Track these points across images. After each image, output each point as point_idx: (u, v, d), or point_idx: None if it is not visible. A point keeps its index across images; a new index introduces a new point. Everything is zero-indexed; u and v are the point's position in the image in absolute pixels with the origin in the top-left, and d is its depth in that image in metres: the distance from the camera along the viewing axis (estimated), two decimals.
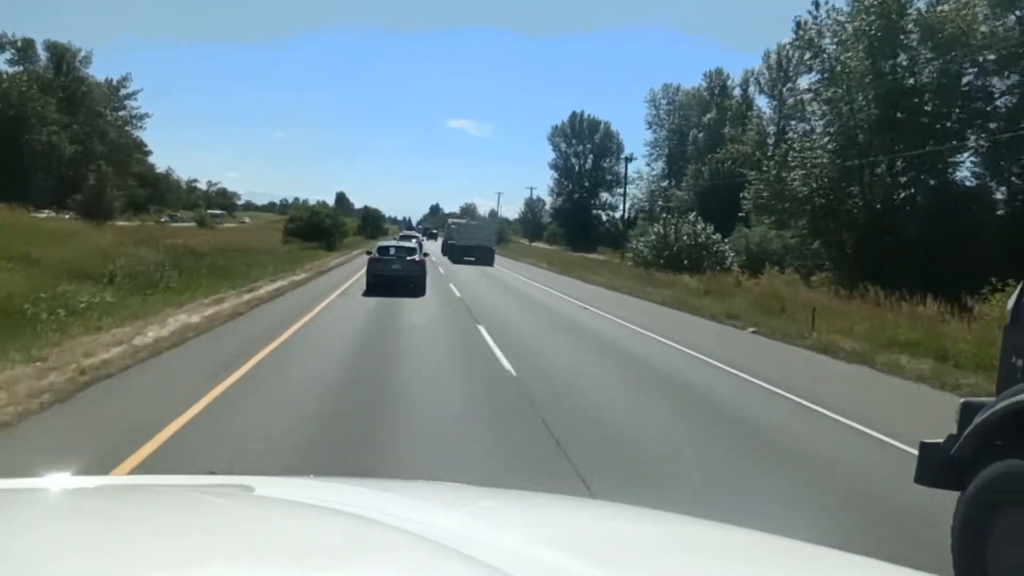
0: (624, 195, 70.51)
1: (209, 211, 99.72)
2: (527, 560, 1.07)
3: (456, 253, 42.61)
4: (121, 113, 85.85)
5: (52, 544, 0.95)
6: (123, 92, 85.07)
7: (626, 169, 68.08)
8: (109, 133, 79.79)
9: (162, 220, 71.79)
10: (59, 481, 1.68)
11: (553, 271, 38.58)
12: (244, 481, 1.56)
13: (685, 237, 31.55)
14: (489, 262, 40.82)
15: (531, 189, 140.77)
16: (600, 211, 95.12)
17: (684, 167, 69.71)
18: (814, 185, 31.79)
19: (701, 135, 68.20)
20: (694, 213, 37.68)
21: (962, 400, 4.01)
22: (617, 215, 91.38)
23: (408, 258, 20.78)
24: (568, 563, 1.10)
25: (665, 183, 74.54)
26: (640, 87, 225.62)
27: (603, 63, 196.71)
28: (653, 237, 32.69)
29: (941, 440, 3.92)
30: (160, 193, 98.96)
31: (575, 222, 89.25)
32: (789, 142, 34.53)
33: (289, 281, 21.03)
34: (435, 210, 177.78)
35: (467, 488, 1.88)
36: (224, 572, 0.90)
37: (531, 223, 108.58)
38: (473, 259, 40.60)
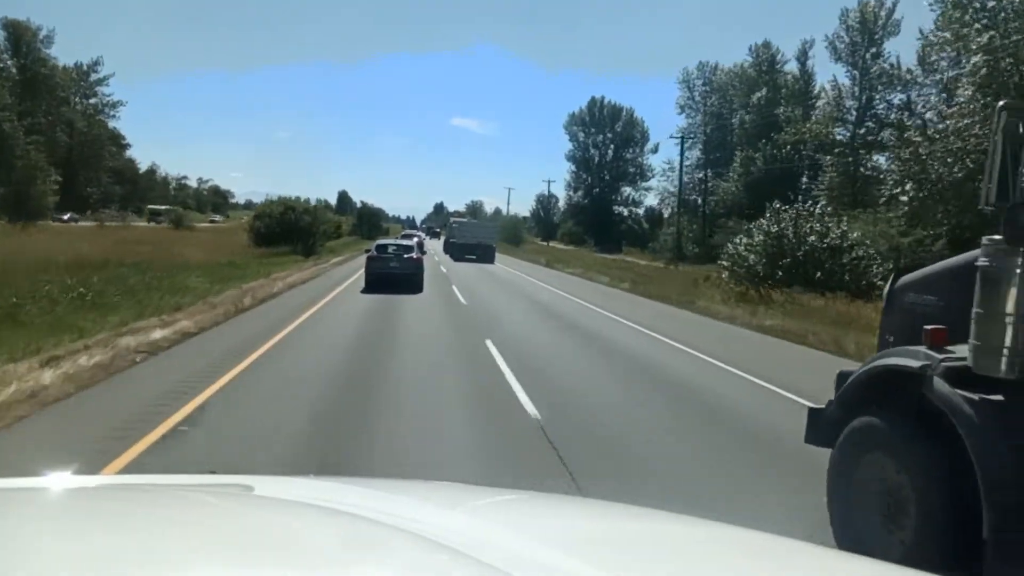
0: (636, 186, 62.58)
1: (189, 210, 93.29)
2: (526, 560, 1.04)
3: (457, 251, 43.55)
4: (92, 101, 77.63)
5: (52, 544, 0.93)
6: (93, 77, 76.68)
7: (661, 150, 61.48)
8: (77, 122, 71.46)
9: (131, 219, 65.17)
10: (59, 481, 1.65)
11: (620, 287, 25.45)
12: (244, 481, 1.52)
13: (813, 238, 20.72)
14: (490, 260, 41.28)
15: (548, 182, 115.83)
16: (622, 207, 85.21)
17: (725, 156, 60.13)
18: (969, 164, 23.51)
19: (748, 117, 57.64)
20: (820, 203, 27.20)
21: (839, 371, 4.53)
22: (641, 211, 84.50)
23: (405, 256, 20.76)
24: (567, 563, 1.07)
25: (701, 174, 63.06)
26: (665, 70, 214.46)
27: (624, 43, 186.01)
28: (761, 238, 21.48)
29: (823, 406, 4.43)
30: (140, 190, 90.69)
31: (594, 219, 79.73)
32: (919, 113, 27.09)
33: (140, 343, 9.14)
34: (439, 209, 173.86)
35: (467, 488, 1.89)
36: (223, 572, 0.89)
37: (543, 221, 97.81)
38: (474, 257, 41.36)
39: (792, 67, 57.61)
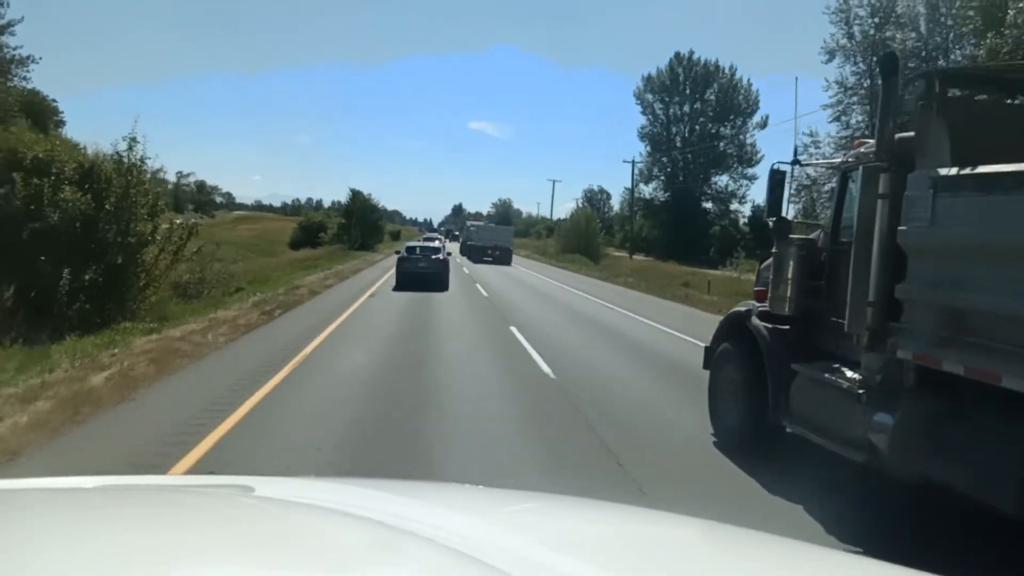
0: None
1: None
2: (536, 564, 1.06)
3: (475, 253, 44.89)
4: None
5: (52, 544, 0.92)
6: None
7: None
8: None
9: None
10: (59, 481, 1.64)
11: None
12: (244, 481, 1.52)
13: None
14: (507, 262, 43.00)
15: (631, 162, 60.93)
16: (713, 202, 62.19)
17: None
18: None
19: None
20: None
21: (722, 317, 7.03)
22: (746, 208, 61.12)
23: (433, 256, 22.77)
24: (568, 564, 1.09)
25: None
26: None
27: (641, 39, 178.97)
28: None
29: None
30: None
31: (676, 220, 58.32)
32: None
33: None
34: (458, 211, 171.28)
35: (469, 488, 1.87)
36: (223, 572, 0.90)
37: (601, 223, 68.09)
38: (491, 260, 42.91)
39: None
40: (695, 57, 61.96)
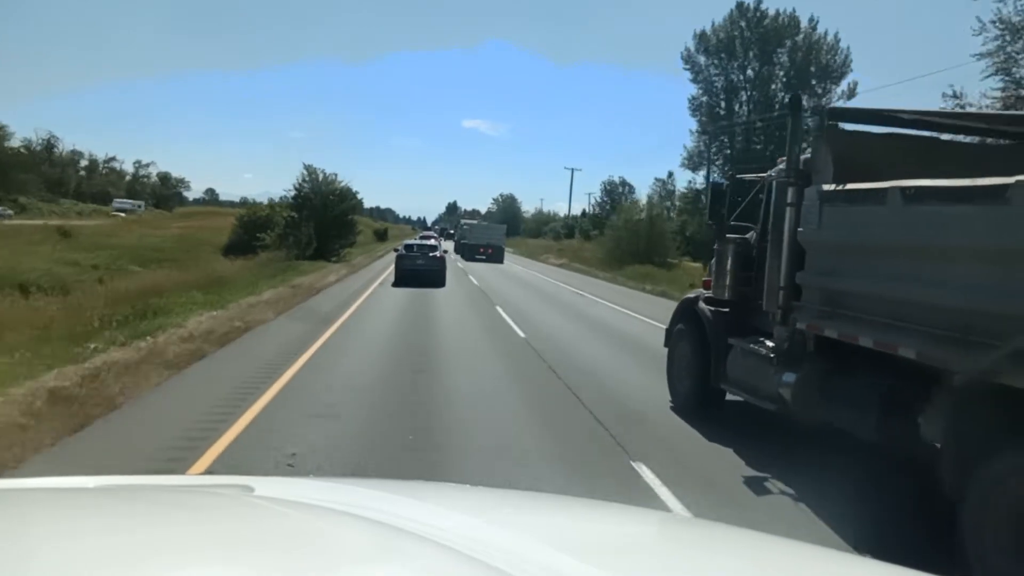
0: None
1: (118, 202, 74.01)
2: (536, 564, 1.06)
3: (468, 251, 45.81)
4: None
5: (51, 544, 0.92)
6: None
7: None
8: None
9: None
10: (59, 481, 1.63)
11: None
12: (244, 481, 1.51)
13: None
14: (500, 260, 43.58)
15: (686, 157, 51.50)
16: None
17: None
18: None
19: None
20: None
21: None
22: None
23: (430, 254, 24.23)
24: (569, 564, 1.09)
25: None
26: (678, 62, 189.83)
27: (636, 35, 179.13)
28: None
29: None
30: (13, 178, 63.43)
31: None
32: None
33: None
34: (452, 209, 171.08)
35: (469, 488, 1.88)
36: (223, 573, 0.90)
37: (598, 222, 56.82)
38: (484, 257, 43.56)
39: None
40: (763, 7, 47.49)
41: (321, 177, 36.01)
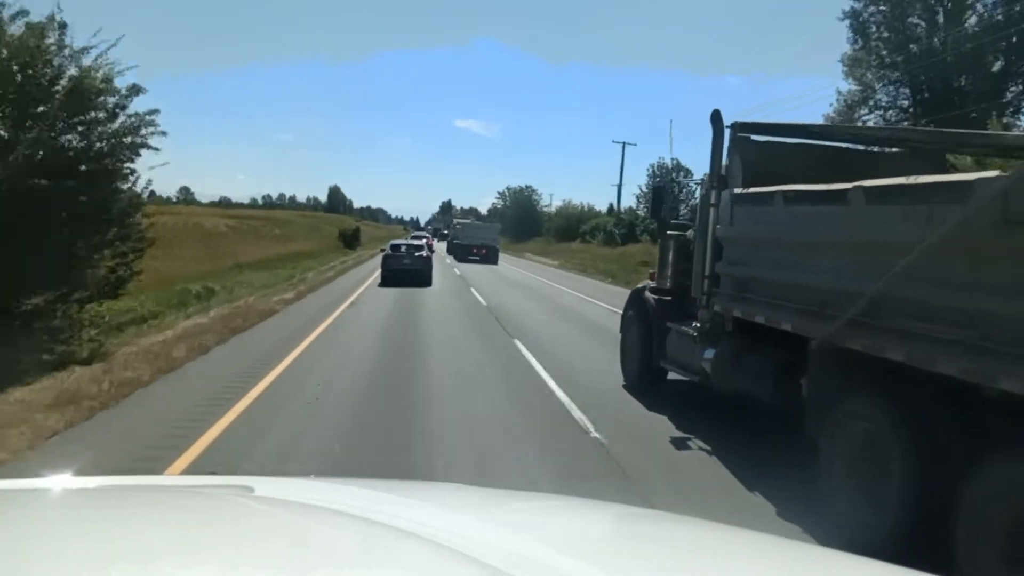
0: None
1: None
2: (534, 564, 1.07)
3: (461, 252, 45.00)
4: None
5: (51, 544, 0.94)
6: None
7: None
8: None
9: None
10: (59, 481, 1.68)
11: None
12: (244, 481, 1.54)
13: None
14: (494, 261, 42.86)
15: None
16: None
17: None
18: None
19: None
20: None
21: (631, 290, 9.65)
22: None
23: (416, 254, 24.60)
24: (569, 564, 1.10)
25: None
26: (672, 61, 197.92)
27: (627, 34, 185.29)
28: None
29: None
30: None
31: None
32: None
33: None
34: (446, 208, 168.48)
35: (467, 488, 1.90)
36: (223, 573, 0.90)
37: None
38: (478, 258, 42.35)
39: None
40: None
41: None
